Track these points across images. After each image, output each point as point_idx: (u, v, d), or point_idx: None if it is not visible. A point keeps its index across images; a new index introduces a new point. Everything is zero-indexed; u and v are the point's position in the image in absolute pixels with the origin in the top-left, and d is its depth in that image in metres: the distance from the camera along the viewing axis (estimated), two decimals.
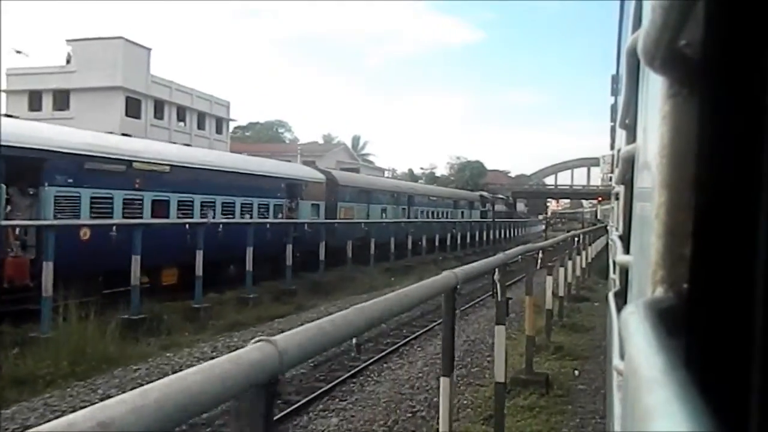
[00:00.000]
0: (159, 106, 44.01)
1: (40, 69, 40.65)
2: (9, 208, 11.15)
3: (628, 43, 1.28)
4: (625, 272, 1.75)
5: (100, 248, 11.29)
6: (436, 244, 27.28)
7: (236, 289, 14.68)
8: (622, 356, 1.03)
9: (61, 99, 40.58)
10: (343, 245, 19.27)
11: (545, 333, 9.93)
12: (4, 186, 10.69)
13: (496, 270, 5.36)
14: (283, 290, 15.81)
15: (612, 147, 8.95)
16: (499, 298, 5.42)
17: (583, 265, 18.05)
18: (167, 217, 13.59)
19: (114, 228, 11.42)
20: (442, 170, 74.75)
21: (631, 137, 1.67)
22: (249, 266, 14.12)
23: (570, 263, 13.93)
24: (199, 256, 12.47)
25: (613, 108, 7.67)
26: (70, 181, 11.54)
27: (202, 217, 14.12)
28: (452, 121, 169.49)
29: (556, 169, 79.04)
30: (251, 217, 16.47)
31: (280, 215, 18.41)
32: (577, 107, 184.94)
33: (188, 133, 46.39)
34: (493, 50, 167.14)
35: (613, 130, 8.00)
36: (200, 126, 48.70)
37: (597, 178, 66.49)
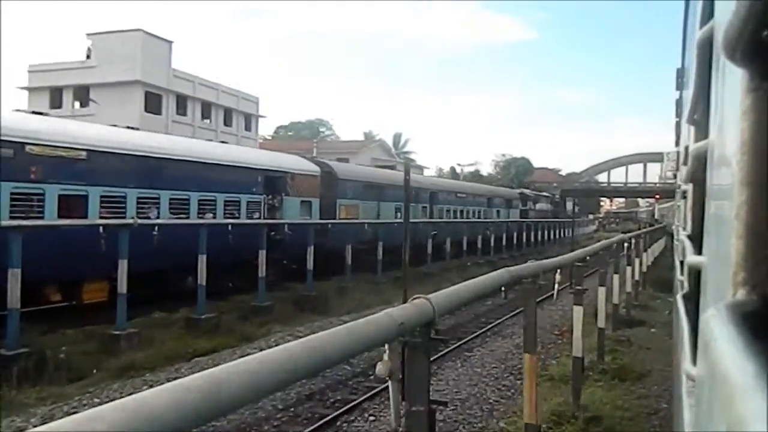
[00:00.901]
0: (181, 102, 42.20)
1: (61, 65, 39.68)
2: None
3: (699, 35, 1.20)
4: (696, 274, 1.63)
5: None
6: (464, 247, 23.82)
7: (193, 306, 11.80)
8: (693, 361, 0.96)
9: (81, 95, 39.29)
10: (343, 250, 16.13)
11: (572, 391, 6.55)
12: None
13: (386, 355, 2.13)
14: (255, 307, 12.85)
15: (677, 143, 8.73)
16: (395, 422, 2.18)
17: (637, 277, 14.52)
18: (85, 216, 10.68)
19: None
20: (487, 168, 71.34)
21: (702, 133, 1.58)
22: (201, 279, 11.14)
23: (617, 277, 10.52)
24: (123, 266, 9.60)
25: (679, 103, 7.29)
26: None
27: (141, 217, 11.13)
28: (501, 120, 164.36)
29: (608, 165, 73.93)
30: (214, 217, 13.39)
31: (256, 214, 15.22)
32: (630, 104, 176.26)
33: (214, 129, 44.43)
34: (545, 49, 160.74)
35: (678, 125, 7.80)
36: (227, 123, 46.70)
37: (654, 175, 61.37)
